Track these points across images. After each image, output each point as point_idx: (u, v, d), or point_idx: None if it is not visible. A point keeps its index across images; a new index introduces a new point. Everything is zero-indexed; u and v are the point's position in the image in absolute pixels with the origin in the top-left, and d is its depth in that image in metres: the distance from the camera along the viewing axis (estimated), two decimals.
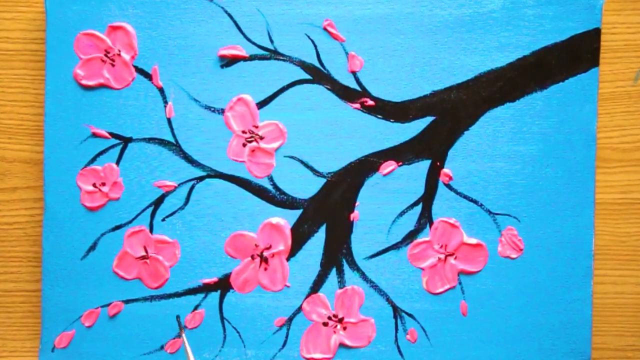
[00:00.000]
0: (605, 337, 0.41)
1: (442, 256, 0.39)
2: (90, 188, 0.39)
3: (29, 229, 0.41)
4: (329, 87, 0.39)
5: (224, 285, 0.39)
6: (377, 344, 0.39)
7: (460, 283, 0.39)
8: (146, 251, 0.39)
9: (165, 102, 0.39)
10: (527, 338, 0.38)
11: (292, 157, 0.39)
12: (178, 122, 0.39)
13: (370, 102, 0.39)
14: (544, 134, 0.39)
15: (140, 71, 0.39)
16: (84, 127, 0.39)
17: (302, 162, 0.39)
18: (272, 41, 0.39)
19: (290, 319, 0.39)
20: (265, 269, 0.39)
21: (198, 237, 0.39)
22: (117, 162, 0.39)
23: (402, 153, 0.39)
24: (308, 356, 0.39)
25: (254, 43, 0.39)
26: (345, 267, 0.39)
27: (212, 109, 0.39)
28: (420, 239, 0.39)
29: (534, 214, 0.39)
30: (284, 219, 0.39)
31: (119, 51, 0.39)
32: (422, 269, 0.39)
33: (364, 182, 0.39)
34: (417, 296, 0.39)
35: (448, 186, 0.39)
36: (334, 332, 0.39)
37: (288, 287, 0.39)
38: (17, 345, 0.41)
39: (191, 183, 0.39)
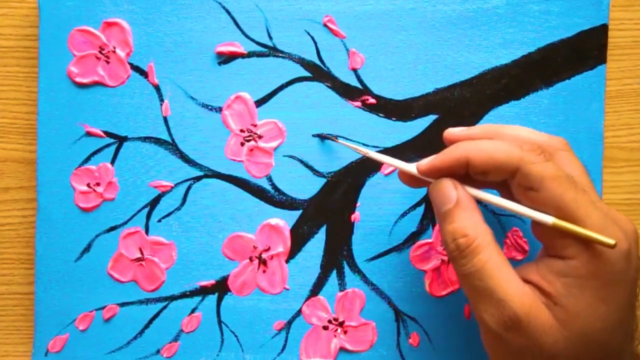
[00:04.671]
0: None
1: (446, 258, 0.38)
2: (85, 188, 0.38)
3: (22, 230, 0.40)
4: (329, 84, 0.38)
5: (221, 287, 0.38)
6: (379, 348, 0.38)
7: None
8: (142, 253, 0.38)
9: (161, 100, 0.38)
10: None
11: (291, 157, 0.38)
12: (174, 121, 0.38)
13: (372, 100, 0.38)
14: (549, 133, 0.38)
15: (135, 68, 0.38)
16: (78, 126, 0.38)
17: (301, 161, 0.38)
18: (271, 38, 0.38)
19: (289, 323, 0.38)
20: (264, 271, 0.38)
21: (195, 239, 0.38)
22: (112, 162, 0.38)
23: (405, 152, 0.38)
24: None
25: (252, 40, 0.38)
26: (346, 269, 0.38)
27: (210, 107, 0.38)
28: (423, 240, 0.38)
29: None
30: (283, 220, 0.38)
31: (114, 48, 0.38)
32: (425, 271, 0.38)
33: (365, 182, 0.38)
34: (419, 299, 0.38)
35: None
36: (335, 335, 0.38)
37: (287, 289, 0.38)
38: (9, 350, 0.40)
39: (188, 183, 0.38)
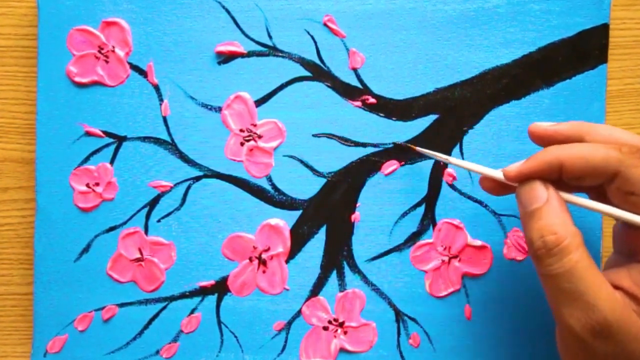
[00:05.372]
0: None
1: (446, 258, 0.38)
2: (84, 188, 0.38)
3: (21, 230, 0.40)
4: (329, 84, 0.38)
5: (221, 288, 0.38)
6: (379, 349, 0.38)
7: (464, 286, 0.38)
8: (141, 253, 0.38)
9: (161, 100, 0.38)
10: (534, 342, 0.38)
11: (291, 157, 0.38)
12: (174, 121, 0.38)
13: (372, 100, 0.38)
14: None
15: (134, 68, 0.38)
16: (77, 126, 0.38)
17: (301, 161, 0.38)
18: (270, 37, 0.38)
19: (289, 323, 0.38)
20: (264, 272, 0.38)
21: (194, 239, 0.38)
22: (111, 162, 0.38)
23: (405, 152, 0.38)
24: None
25: (252, 39, 0.38)
26: (346, 269, 0.38)
27: (209, 107, 0.38)
28: (423, 240, 0.38)
29: None
30: (283, 220, 0.38)
31: (113, 47, 0.38)
32: (425, 271, 0.38)
33: (365, 182, 0.38)
34: (420, 299, 0.38)
35: (452, 186, 0.38)
36: (335, 336, 0.38)
37: (287, 290, 0.38)
38: (7, 350, 0.40)
39: (187, 183, 0.38)
